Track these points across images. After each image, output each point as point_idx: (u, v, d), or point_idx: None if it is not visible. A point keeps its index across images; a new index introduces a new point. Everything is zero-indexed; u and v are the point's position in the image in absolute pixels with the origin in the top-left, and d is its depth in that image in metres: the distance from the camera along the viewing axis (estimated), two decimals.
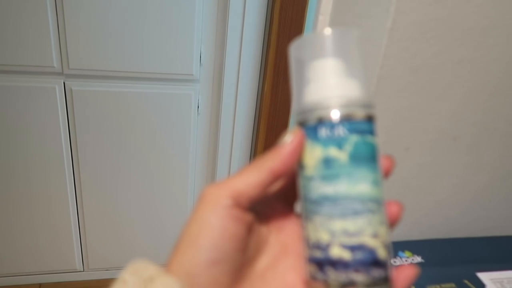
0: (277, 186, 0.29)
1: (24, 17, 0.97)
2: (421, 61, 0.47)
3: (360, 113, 0.24)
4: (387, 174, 0.26)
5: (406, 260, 0.55)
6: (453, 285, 0.52)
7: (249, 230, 0.25)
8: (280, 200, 0.29)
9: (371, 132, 0.25)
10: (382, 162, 0.26)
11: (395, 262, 0.26)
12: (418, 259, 0.55)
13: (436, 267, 0.54)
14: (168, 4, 1.05)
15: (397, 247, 0.56)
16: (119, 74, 1.11)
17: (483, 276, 0.54)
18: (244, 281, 0.25)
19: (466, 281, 0.52)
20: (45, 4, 0.96)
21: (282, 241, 0.28)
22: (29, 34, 0.99)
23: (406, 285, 0.25)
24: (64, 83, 1.09)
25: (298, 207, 0.27)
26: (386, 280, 0.24)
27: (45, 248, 1.29)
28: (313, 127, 0.25)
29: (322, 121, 0.24)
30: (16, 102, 1.06)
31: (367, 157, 0.24)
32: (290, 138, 0.25)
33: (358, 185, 0.24)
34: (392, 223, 0.26)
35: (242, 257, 0.25)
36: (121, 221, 1.31)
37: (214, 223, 0.23)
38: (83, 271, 1.39)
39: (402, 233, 0.60)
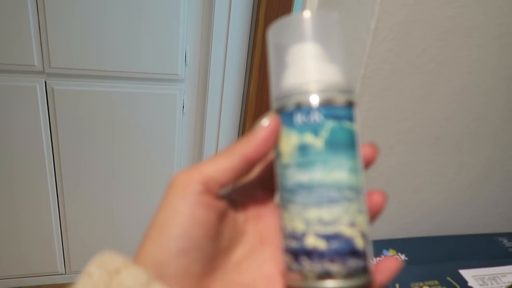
0: (256, 174, 0.29)
1: (3, 14, 0.94)
2: (405, 61, 0.47)
3: (338, 99, 0.24)
4: (370, 162, 0.26)
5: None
6: (436, 282, 0.52)
7: (222, 218, 0.25)
8: (260, 189, 0.29)
9: (350, 118, 0.24)
10: (365, 150, 0.25)
11: (380, 260, 0.25)
12: (402, 257, 0.56)
13: (420, 264, 0.55)
14: (152, 3, 1.04)
15: (382, 246, 0.57)
16: (102, 73, 1.10)
17: (465, 273, 0.54)
18: (217, 271, 0.25)
19: (449, 278, 0.53)
20: (26, 1, 0.94)
21: (260, 231, 0.27)
22: (9, 31, 0.96)
23: (387, 276, 0.24)
24: (45, 82, 1.07)
25: (276, 196, 0.27)
26: (364, 270, 0.23)
27: (26, 251, 1.27)
28: (289, 113, 0.24)
29: (299, 107, 0.24)
30: None
31: (345, 143, 0.24)
32: (265, 124, 0.25)
33: (334, 172, 0.23)
34: (375, 213, 0.25)
35: (215, 246, 0.24)
36: (103, 223, 1.29)
37: (183, 210, 0.23)
38: (65, 273, 1.36)
39: (387, 232, 0.61)
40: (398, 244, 0.58)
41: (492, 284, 0.53)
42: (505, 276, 0.55)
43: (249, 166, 0.24)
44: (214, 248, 0.24)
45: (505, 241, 0.62)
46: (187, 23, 1.11)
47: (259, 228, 0.27)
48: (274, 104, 0.26)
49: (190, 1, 1.07)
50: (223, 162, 0.24)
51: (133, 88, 1.14)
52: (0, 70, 1.01)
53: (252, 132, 0.25)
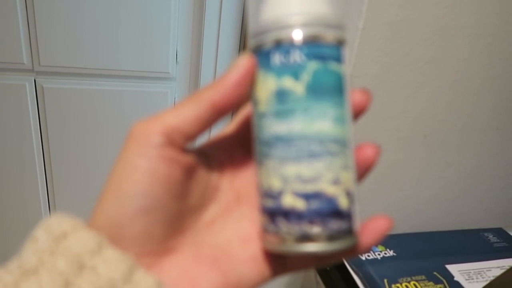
0: (235, 128, 0.26)
1: None
2: (393, 61, 0.48)
3: (325, 35, 0.20)
4: (361, 111, 0.23)
5: (378, 254, 0.56)
6: (423, 277, 0.53)
7: (190, 174, 0.22)
8: (238, 144, 0.26)
9: (337, 58, 0.21)
10: (354, 97, 0.22)
11: (368, 220, 0.23)
12: (390, 253, 0.57)
13: (408, 260, 0.56)
14: (143, 0, 1.03)
15: None
16: (93, 71, 1.09)
17: (451, 268, 0.56)
18: (186, 231, 0.22)
19: (435, 273, 0.54)
20: None
21: (237, 188, 0.25)
22: None
23: (376, 238, 0.22)
24: (34, 80, 1.06)
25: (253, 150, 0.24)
26: (348, 232, 0.21)
27: (15, 251, 1.26)
28: (266, 52, 0.21)
29: (278, 45, 0.20)
30: None
31: (330, 89, 0.20)
32: (237, 65, 0.21)
33: (316, 122, 0.20)
34: (365, 169, 0.23)
35: (180, 204, 0.21)
36: None
37: (141, 165, 0.20)
38: None
39: None
40: (386, 240, 0.58)
41: (477, 278, 0.54)
42: (490, 270, 0.56)
43: (218, 114, 0.21)
44: (180, 207, 0.21)
45: (490, 236, 0.64)
46: (178, 20, 1.11)
47: (235, 184, 0.25)
48: (250, 42, 0.22)
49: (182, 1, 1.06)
50: (187, 110, 0.21)
51: (124, 86, 1.13)
52: None
53: (222, 75, 0.22)
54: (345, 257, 0.22)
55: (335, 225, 0.20)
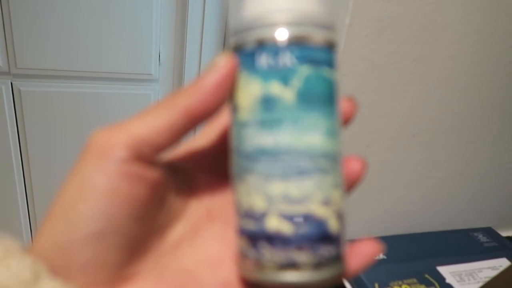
0: (208, 140, 0.23)
1: None
2: (380, 58, 0.47)
3: (316, 36, 0.18)
4: (347, 120, 0.21)
5: None
6: (414, 280, 0.52)
7: (155, 191, 0.19)
8: (211, 156, 0.23)
9: (330, 63, 0.19)
10: (342, 105, 0.20)
11: (355, 242, 0.21)
12: (380, 255, 0.55)
13: (398, 263, 0.55)
14: (124, 0, 1.01)
15: None
16: (73, 73, 1.06)
17: (443, 269, 0.55)
18: (146, 256, 0.19)
19: (427, 276, 0.53)
20: None
21: (207, 205, 0.22)
22: None
23: (364, 263, 0.20)
24: (11, 83, 1.03)
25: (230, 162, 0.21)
26: (337, 258, 0.19)
27: None
28: (250, 52, 0.18)
29: (262, 45, 0.18)
30: None
31: (322, 97, 0.18)
32: (216, 66, 0.18)
33: (307, 135, 0.18)
34: (351, 184, 0.21)
35: (142, 226, 0.19)
36: None
37: (99, 182, 0.17)
38: None
39: (365, 230, 0.60)
40: None
41: (469, 280, 0.54)
42: (481, 271, 0.55)
43: (193, 123, 0.19)
44: (141, 229, 0.19)
45: (480, 236, 0.63)
46: (160, 21, 1.09)
47: (206, 200, 0.22)
48: (231, 39, 0.20)
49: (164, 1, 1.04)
50: (158, 119, 0.18)
51: (105, 88, 1.11)
52: None
53: (198, 78, 0.19)
54: (330, 285, 0.19)
55: (325, 251, 0.18)
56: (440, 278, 0.53)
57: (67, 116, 1.08)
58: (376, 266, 0.53)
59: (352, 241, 0.20)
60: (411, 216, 0.62)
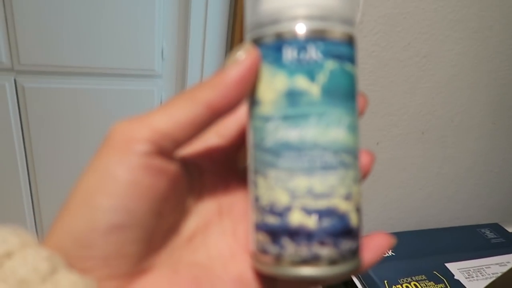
0: (224, 138, 0.23)
1: None
2: (391, 55, 0.47)
3: (338, 31, 0.18)
4: (359, 116, 0.21)
5: None
6: (423, 277, 0.52)
7: (174, 186, 0.19)
8: (224, 151, 0.23)
9: (351, 58, 0.19)
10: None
11: (367, 236, 0.21)
12: (389, 253, 0.55)
13: (407, 259, 0.55)
14: None
15: None
16: (77, 69, 1.05)
17: (451, 266, 0.55)
18: (162, 249, 0.19)
19: (435, 272, 0.53)
20: None
21: (218, 200, 0.22)
22: None
23: (377, 256, 0.20)
24: (14, 80, 1.02)
25: (247, 156, 0.21)
26: (355, 252, 0.19)
27: None
28: (273, 46, 0.18)
29: (286, 39, 0.18)
30: None
31: (346, 92, 0.18)
32: (239, 59, 0.18)
33: (332, 130, 0.18)
34: (362, 177, 0.21)
35: (160, 220, 0.19)
36: None
37: (121, 175, 0.17)
38: None
39: (374, 227, 0.60)
40: None
41: (477, 276, 0.54)
42: (489, 267, 0.55)
43: (215, 117, 0.18)
44: (159, 224, 0.19)
45: (487, 232, 0.63)
46: (163, 16, 1.08)
47: (216, 195, 0.22)
48: (248, 32, 0.20)
49: None
50: (180, 112, 0.18)
51: (109, 84, 1.10)
52: None
53: (220, 71, 0.18)
54: (346, 278, 0.20)
55: (346, 245, 0.18)
56: (449, 275, 0.53)
57: (71, 112, 1.08)
58: (385, 263, 0.53)
59: (362, 236, 0.20)
60: (419, 213, 0.62)
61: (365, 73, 0.47)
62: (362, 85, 0.48)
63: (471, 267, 0.55)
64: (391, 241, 0.20)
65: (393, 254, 0.55)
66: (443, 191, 0.61)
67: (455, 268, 0.54)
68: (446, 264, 0.55)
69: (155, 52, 1.07)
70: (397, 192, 0.59)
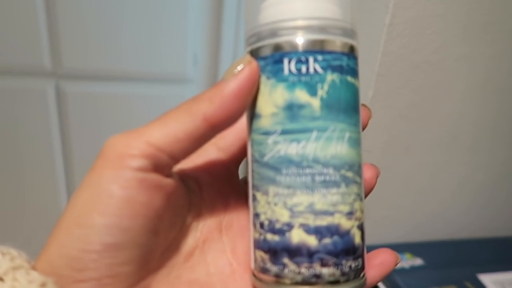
0: (224, 152, 0.22)
1: (9, 9, 0.90)
2: (421, 58, 0.46)
3: (339, 42, 0.18)
4: (362, 129, 0.20)
5: (406, 263, 0.53)
6: (454, 287, 0.50)
7: (170, 202, 0.18)
8: (224, 165, 0.22)
9: (353, 71, 0.18)
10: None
11: (371, 253, 0.20)
12: (419, 261, 0.54)
13: (437, 269, 0.53)
14: (162, 1, 1.03)
15: (397, 249, 0.55)
16: (117, 74, 1.03)
17: (484, 278, 0.52)
18: (160, 268, 0.19)
19: (467, 283, 0.51)
20: None
21: (218, 216, 0.21)
22: (15, 27, 0.91)
23: (381, 274, 0.20)
24: (56, 84, 1.01)
25: (246, 171, 0.21)
26: (358, 272, 0.18)
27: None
28: (273, 57, 0.18)
29: (284, 50, 0.17)
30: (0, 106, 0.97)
31: (347, 106, 0.18)
32: (238, 71, 0.17)
33: (333, 145, 0.18)
34: (365, 193, 0.20)
35: (156, 239, 0.18)
36: None
37: (115, 192, 0.16)
38: None
39: (402, 235, 0.59)
40: (414, 248, 0.56)
41: None
42: None
43: (213, 131, 0.18)
44: (156, 242, 0.18)
45: None
46: (196, 20, 1.10)
47: (216, 211, 0.21)
48: (247, 44, 0.19)
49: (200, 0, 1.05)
50: (176, 126, 0.17)
51: (153, 90, 1.07)
52: (4, 72, 0.95)
53: (218, 83, 0.17)
54: None
55: (348, 264, 0.18)
56: (481, 287, 0.51)
57: (116, 119, 1.07)
58: (413, 272, 0.52)
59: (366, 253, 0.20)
60: (451, 221, 0.60)
61: (394, 76, 0.46)
62: (391, 89, 0.47)
63: (505, 280, 0.53)
64: (397, 258, 0.20)
65: (423, 262, 0.54)
66: (477, 199, 0.59)
67: (489, 280, 0.52)
68: (479, 275, 0.53)
69: (188, 57, 1.09)
70: (427, 199, 0.57)
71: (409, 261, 0.54)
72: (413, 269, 0.53)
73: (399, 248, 0.56)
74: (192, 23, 1.07)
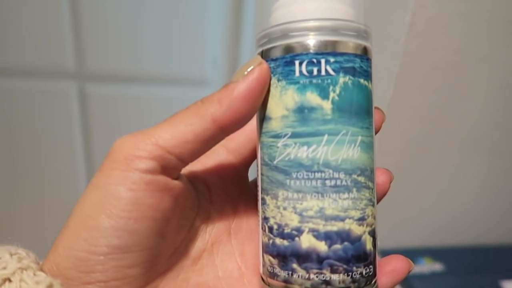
0: (234, 155, 0.22)
1: (31, 7, 0.89)
2: (442, 58, 0.45)
3: (352, 44, 0.17)
4: (375, 132, 0.20)
5: (426, 268, 0.52)
6: None
7: (178, 205, 0.18)
8: (233, 168, 0.22)
9: (366, 73, 0.18)
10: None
11: (383, 259, 0.20)
12: (438, 266, 0.53)
13: (458, 275, 0.52)
14: (183, 4, 1.03)
15: (417, 254, 0.54)
16: (140, 76, 1.01)
17: (507, 285, 0.51)
18: (167, 271, 0.19)
19: None
20: None
21: (228, 219, 0.21)
22: (38, 27, 0.90)
23: (393, 282, 0.19)
24: (80, 86, 1.01)
25: (256, 174, 0.20)
26: (369, 279, 0.18)
27: None
28: (284, 59, 0.17)
29: (296, 52, 0.17)
30: (22, 107, 0.97)
31: (359, 109, 0.18)
32: (248, 72, 0.17)
33: (345, 149, 0.17)
34: (378, 198, 0.20)
35: (164, 242, 0.18)
36: None
37: (123, 194, 0.16)
38: None
39: (422, 239, 0.58)
40: (434, 252, 0.55)
41: None
42: None
43: (221, 134, 0.17)
44: (163, 245, 0.18)
45: None
46: (216, 21, 1.10)
47: (225, 214, 0.21)
48: (258, 45, 0.19)
49: (220, 3, 1.05)
50: (185, 128, 0.17)
51: (182, 93, 1.03)
52: (26, 73, 0.94)
53: (227, 85, 0.17)
54: None
55: (359, 270, 0.17)
56: None
57: (141, 122, 1.01)
58: (434, 278, 0.51)
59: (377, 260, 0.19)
60: (473, 227, 0.59)
61: (414, 76, 0.46)
62: (411, 89, 0.46)
63: None
64: (409, 265, 0.19)
65: (444, 268, 0.53)
66: (500, 204, 0.58)
67: (511, 287, 0.51)
68: (501, 282, 0.51)
69: (207, 59, 1.09)
70: (448, 202, 0.56)
71: (428, 266, 0.52)
72: (433, 274, 0.51)
73: (419, 252, 0.54)
74: (212, 25, 1.08)
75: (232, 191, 0.22)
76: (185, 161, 0.18)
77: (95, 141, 1.05)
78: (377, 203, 0.20)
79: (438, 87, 0.47)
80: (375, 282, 0.18)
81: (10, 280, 0.15)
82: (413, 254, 0.54)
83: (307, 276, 0.17)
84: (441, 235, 0.58)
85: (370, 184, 0.18)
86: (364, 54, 0.18)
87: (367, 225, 0.18)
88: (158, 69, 1.05)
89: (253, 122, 0.20)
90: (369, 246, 0.18)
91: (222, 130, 0.17)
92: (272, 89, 0.18)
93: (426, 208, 0.56)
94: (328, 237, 0.17)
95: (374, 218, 0.18)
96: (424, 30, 0.43)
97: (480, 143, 0.52)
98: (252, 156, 0.22)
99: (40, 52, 0.93)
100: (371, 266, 0.18)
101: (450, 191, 0.55)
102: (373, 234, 0.18)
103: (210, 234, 0.21)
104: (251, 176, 0.24)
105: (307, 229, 0.17)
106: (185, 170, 0.20)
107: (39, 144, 1.04)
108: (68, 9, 0.92)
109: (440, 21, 0.43)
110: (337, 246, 0.17)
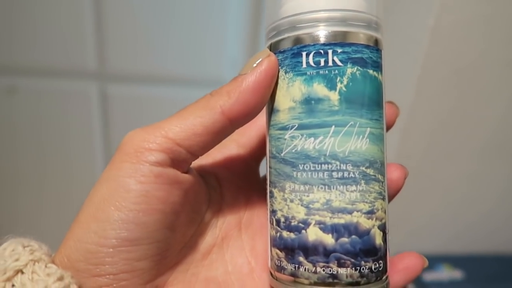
0: (244, 147, 0.22)
1: (53, 5, 0.88)
2: (466, 62, 0.44)
3: (362, 34, 0.17)
4: (388, 127, 0.20)
5: (444, 275, 0.51)
6: None
7: (188, 198, 0.18)
8: (244, 161, 0.22)
9: (376, 64, 0.18)
10: (386, 110, 0.19)
11: (396, 256, 0.19)
12: (458, 274, 0.52)
13: (478, 284, 0.51)
14: (202, 4, 1.03)
15: (436, 260, 0.53)
16: (159, 77, 0.96)
17: None
18: (177, 265, 0.19)
19: None
20: None
21: (238, 214, 0.21)
22: (59, 27, 0.88)
23: (406, 279, 0.19)
24: (101, 87, 1.00)
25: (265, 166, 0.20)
26: (379, 275, 0.17)
27: None
28: (291, 51, 0.17)
29: (303, 44, 0.17)
30: (43, 108, 0.94)
31: (368, 100, 0.17)
32: (256, 65, 0.17)
33: (352, 140, 0.17)
34: (391, 194, 0.19)
35: (173, 235, 0.18)
36: None
37: (133, 187, 0.16)
38: None
39: (442, 245, 0.57)
40: (454, 260, 0.54)
41: None
42: None
43: (231, 126, 0.17)
44: (173, 239, 0.18)
45: None
46: (236, 23, 1.09)
47: (235, 209, 0.21)
48: (267, 38, 0.19)
49: (239, 2, 1.03)
50: (195, 121, 0.17)
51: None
52: (46, 73, 0.92)
53: (236, 78, 0.17)
54: None
55: (367, 265, 0.17)
56: None
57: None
58: (452, 286, 0.50)
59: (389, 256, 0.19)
60: (494, 235, 0.57)
61: (437, 80, 0.45)
62: (433, 93, 0.46)
63: None
64: (423, 261, 0.19)
65: (464, 276, 0.52)
66: None
67: None
68: None
69: (226, 60, 1.08)
70: (469, 209, 0.55)
71: (447, 273, 0.51)
72: (452, 283, 0.50)
73: (438, 259, 0.54)
74: (231, 26, 1.07)
75: (243, 185, 0.22)
76: (194, 154, 0.18)
77: (115, 142, 1.04)
78: (391, 199, 0.19)
79: (460, 91, 0.46)
80: (386, 278, 0.18)
81: (22, 272, 0.15)
82: (432, 260, 0.53)
83: (313, 269, 0.17)
84: (461, 241, 0.57)
85: (380, 177, 0.18)
86: (375, 45, 0.18)
87: (376, 219, 0.17)
88: (177, 69, 1.05)
89: (264, 117, 0.20)
90: (378, 240, 0.18)
91: (232, 122, 0.17)
92: (279, 81, 0.18)
93: (445, 214, 0.55)
94: (335, 230, 0.17)
95: (385, 212, 0.18)
96: (447, 33, 0.42)
97: (502, 149, 0.51)
98: (263, 151, 0.22)
99: (61, 53, 0.94)
100: (381, 262, 0.18)
101: (471, 197, 0.54)
102: (383, 228, 0.18)
103: (220, 228, 0.20)
104: (262, 172, 0.24)
105: (313, 222, 0.17)
106: (196, 164, 0.20)
107: (59, 144, 1.03)
108: (90, 10, 0.93)
109: (464, 25, 0.42)
110: (344, 239, 0.17)
